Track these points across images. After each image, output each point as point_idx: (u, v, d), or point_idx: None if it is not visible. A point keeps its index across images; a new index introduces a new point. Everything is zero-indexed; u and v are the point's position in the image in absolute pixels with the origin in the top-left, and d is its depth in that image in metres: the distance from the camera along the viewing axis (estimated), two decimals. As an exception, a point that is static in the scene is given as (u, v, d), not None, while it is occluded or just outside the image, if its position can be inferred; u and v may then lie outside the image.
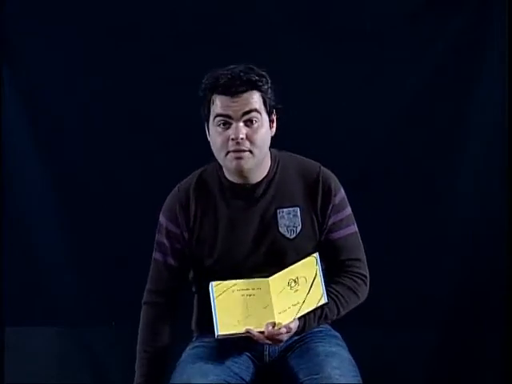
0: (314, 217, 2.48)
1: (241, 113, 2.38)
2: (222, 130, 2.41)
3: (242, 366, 2.45)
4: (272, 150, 2.52)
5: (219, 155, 2.44)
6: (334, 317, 2.47)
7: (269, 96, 2.42)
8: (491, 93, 3.48)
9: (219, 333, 2.35)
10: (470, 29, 3.50)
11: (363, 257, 2.54)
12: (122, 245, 3.50)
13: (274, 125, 2.48)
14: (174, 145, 3.48)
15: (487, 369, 3.52)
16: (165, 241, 2.52)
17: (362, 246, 2.56)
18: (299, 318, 2.39)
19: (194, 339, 2.59)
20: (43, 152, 3.56)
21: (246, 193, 2.47)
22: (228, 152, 2.40)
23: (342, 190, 2.53)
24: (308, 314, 2.40)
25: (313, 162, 2.55)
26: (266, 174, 2.48)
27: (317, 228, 2.49)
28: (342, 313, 2.48)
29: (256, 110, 2.39)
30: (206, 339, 2.51)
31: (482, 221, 3.51)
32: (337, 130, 3.48)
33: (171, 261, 2.52)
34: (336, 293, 2.46)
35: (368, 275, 2.54)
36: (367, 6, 3.49)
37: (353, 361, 2.44)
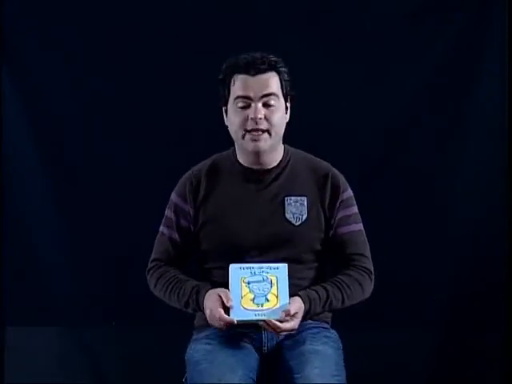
0: (320, 209, 2.54)
1: (260, 94, 2.46)
2: (242, 110, 2.47)
3: (253, 357, 2.45)
4: (285, 145, 2.59)
5: (237, 136, 2.51)
6: (339, 305, 2.50)
7: (286, 79, 2.50)
8: (491, 93, 3.48)
9: (237, 318, 2.36)
10: (470, 29, 3.51)
11: (369, 254, 2.60)
12: (122, 245, 3.50)
13: (289, 111, 2.55)
14: (174, 145, 3.48)
15: (487, 369, 3.53)
16: (172, 216, 2.59)
17: (368, 244, 2.60)
18: (305, 302, 2.42)
19: (195, 333, 2.57)
20: (43, 152, 3.56)
21: (256, 177, 2.53)
22: (246, 133, 2.48)
23: (350, 190, 2.59)
24: (314, 298, 2.44)
25: (323, 161, 2.61)
26: (277, 163, 2.55)
27: (323, 220, 2.53)
28: (347, 303, 2.51)
29: (274, 94, 2.47)
30: (208, 332, 2.50)
31: (482, 221, 3.51)
32: (337, 129, 3.48)
33: (176, 236, 2.58)
34: (342, 282, 2.50)
35: (373, 272, 2.58)
36: (367, 6, 3.50)
37: (339, 360, 2.44)
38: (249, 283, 2.39)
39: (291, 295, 2.41)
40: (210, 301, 2.41)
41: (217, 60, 2.53)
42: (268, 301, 2.38)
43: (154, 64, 3.49)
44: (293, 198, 2.52)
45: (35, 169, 3.57)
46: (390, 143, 3.53)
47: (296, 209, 2.52)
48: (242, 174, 2.54)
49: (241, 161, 2.55)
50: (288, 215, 2.51)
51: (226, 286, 2.43)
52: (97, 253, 3.55)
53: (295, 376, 2.33)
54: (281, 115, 2.49)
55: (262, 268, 2.42)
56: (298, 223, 2.51)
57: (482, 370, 3.52)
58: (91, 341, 3.62)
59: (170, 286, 2.53)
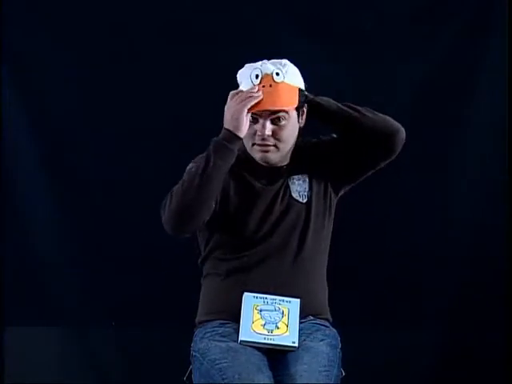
0: (321, 179, 2.54)
1: (268, 113, 2.41)
2: (251, 123, 2.43)
3: (265, 356, 2.42)
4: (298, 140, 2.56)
5: (247, 144, 2.48)
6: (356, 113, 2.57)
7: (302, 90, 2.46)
8: (491, 93, 3.49)
9: (242, 338, 2.38)
10: (469, 29, 3.51)
11: None
12: (122, 245, 3.50)
13: (304, 116, 2.52)
14: (174, 145, 3.48)
15: (487, 369, 3.53)
16: None
17: None
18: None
19: (198, 329, 2.53)
20: (43, 152, 3.56)
21: (266, 173, 2.50)
22: (254, 144, 2.46)
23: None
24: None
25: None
26: (288, 161, 2.53)
27: (329, 184, 2.54)
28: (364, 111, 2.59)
29: (283, 111, 2.43)
30: (212, 327, 2.48)
31: (482, 221, 3.52)
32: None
33: None
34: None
35: None
36: (368, 6, 3.50)
37: (333, 357, 2.41)
38: (261, 311, 2.43)
39: None
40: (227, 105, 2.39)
41: (218, 61, 2.54)
42: (278, 328, 2.41)
43: (154, 64, 3.49)
44: (295, 177, 2.52)
45: (35, 168, 3.57)
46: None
47: (300, 187, 2.51)
48: (247, 166, 2.50)
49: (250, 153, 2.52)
50: (294, 194, 2.51)
51: (226, 261, 2.45)
52: (97, 253, 3.55)
53: (283, 373, 2.33)
54: (291, 128, 2.46)
55: (275, 300, 2.44)
56: (304, 200, 2.50)
57: (483, 370, 3.53)
58: (91, 341, 3.62)
59: (188, 172, 2.44)
